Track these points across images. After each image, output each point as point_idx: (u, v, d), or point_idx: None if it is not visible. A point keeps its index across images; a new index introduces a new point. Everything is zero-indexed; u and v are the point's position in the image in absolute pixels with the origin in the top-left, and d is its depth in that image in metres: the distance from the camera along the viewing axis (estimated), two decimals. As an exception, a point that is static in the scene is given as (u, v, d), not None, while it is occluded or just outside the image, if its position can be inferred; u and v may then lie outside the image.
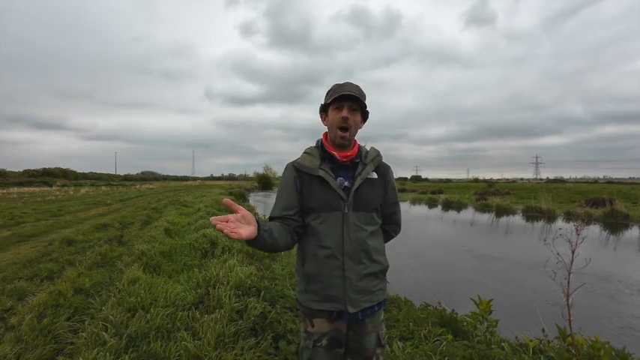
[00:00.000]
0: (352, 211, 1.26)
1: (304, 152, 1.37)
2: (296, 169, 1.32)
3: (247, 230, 1.03)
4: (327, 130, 1.36)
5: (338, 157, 1.30)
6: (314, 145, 1.39)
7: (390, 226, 1.45)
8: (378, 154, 1.38)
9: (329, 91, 1.31)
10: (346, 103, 1.26)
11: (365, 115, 1.35)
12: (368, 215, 1.29)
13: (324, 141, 1.35)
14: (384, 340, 1.38)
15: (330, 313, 1.27)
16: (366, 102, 1.30)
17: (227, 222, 0.98)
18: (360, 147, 1.37)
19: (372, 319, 1.32)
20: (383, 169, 1.38)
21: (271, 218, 1.32)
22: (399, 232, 1.50)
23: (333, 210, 1.25)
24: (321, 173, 1.27)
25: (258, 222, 1.08)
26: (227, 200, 1.00)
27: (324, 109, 1.34)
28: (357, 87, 1.30)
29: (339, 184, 1.27)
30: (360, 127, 1.35)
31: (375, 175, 1.34)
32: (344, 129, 1.27)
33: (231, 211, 1.05)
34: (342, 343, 1.31)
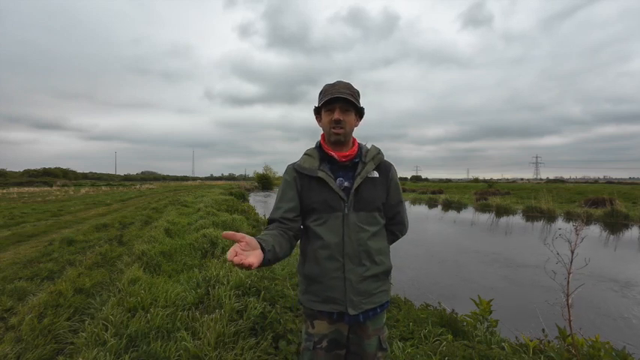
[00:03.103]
0: (353, 211, 1.24)
1: (304, 154, 1.35)
2: (296, 170, 1.30)
3: (256, 257, 0.96)
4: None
5: (337, 158, 1.28)
6: (314, 146, 1.37)
7: (395, 226, 1.41)
8: (378, 152, 1.35)
9: (321, 92, 1.29)
10: (337, 105, 1.24)
11: (360, 113, 1.32)
12: (369, 215, 1.27)
13: (322, 142, 1.33)
14: (386, 344, 1.35)
15: (330, 315, 1.26)
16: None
17: (235, 255, 0.92)
18: (360, 146, 1.35)
19: (374, 322, 1.31)
20: (385, 168, 1.35)
21: (271, 220, 1.29)
22: (405, 232, 1.45)
23: (333, 211, 1.24)
24: (320, 174, 1.25)
25: (260, 243, 1.02)
26: (226, 233, 0.95)
27: (317, 111, 1.32)
28: (348, 85, 1.27)
29: (339, 185, 1.26)
30: (356, 125, 1.33)
31: (375, 174, 1.31)
32: (338, 127, 1.24)
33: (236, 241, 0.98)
34: (342, 345, 1.30)
